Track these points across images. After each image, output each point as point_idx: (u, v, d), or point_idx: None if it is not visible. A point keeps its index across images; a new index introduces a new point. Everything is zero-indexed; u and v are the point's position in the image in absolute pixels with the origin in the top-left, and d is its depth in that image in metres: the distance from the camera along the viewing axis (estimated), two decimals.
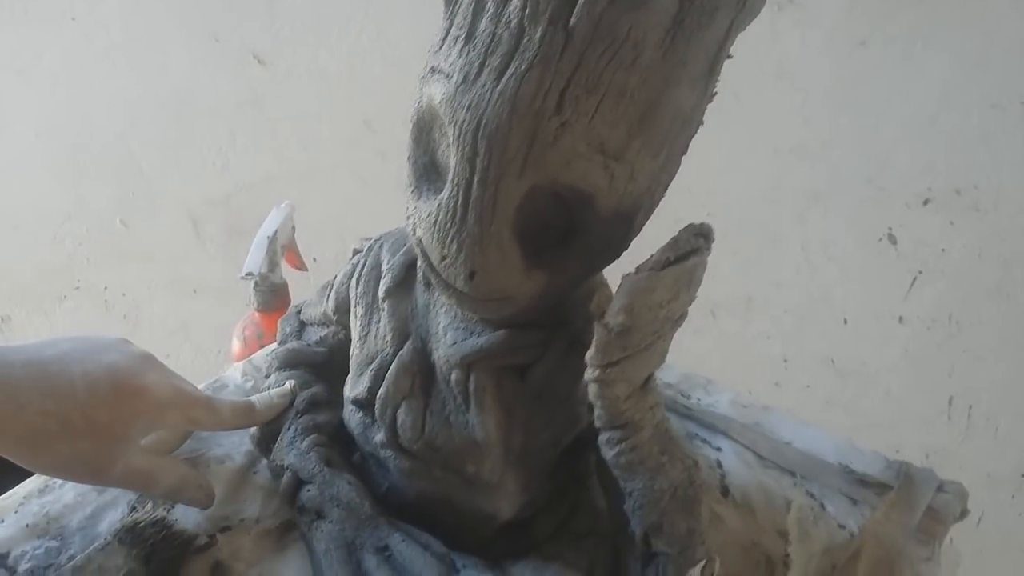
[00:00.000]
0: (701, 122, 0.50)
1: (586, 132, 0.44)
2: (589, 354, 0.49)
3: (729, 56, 0.48)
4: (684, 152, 0.51)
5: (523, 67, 0.43)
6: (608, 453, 0.53)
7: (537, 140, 0.44)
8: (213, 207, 1.67)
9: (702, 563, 0.54)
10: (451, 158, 0.46)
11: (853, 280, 1.34)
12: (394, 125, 1.37)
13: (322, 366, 0.72)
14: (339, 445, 0.66)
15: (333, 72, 1.45)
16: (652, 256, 0.47)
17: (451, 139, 0.46)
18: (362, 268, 0.64)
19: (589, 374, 0.50)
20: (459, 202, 0.47)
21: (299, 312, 0.76)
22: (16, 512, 0.64)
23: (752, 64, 1.16)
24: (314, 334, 0.73)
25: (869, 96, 1.23)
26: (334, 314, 0.69)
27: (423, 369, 0.58)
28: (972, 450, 1.40)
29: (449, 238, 0.48)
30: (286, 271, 1.14)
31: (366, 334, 0.62)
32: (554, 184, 0.46)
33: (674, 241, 0.47)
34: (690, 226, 0.48)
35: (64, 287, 1.88)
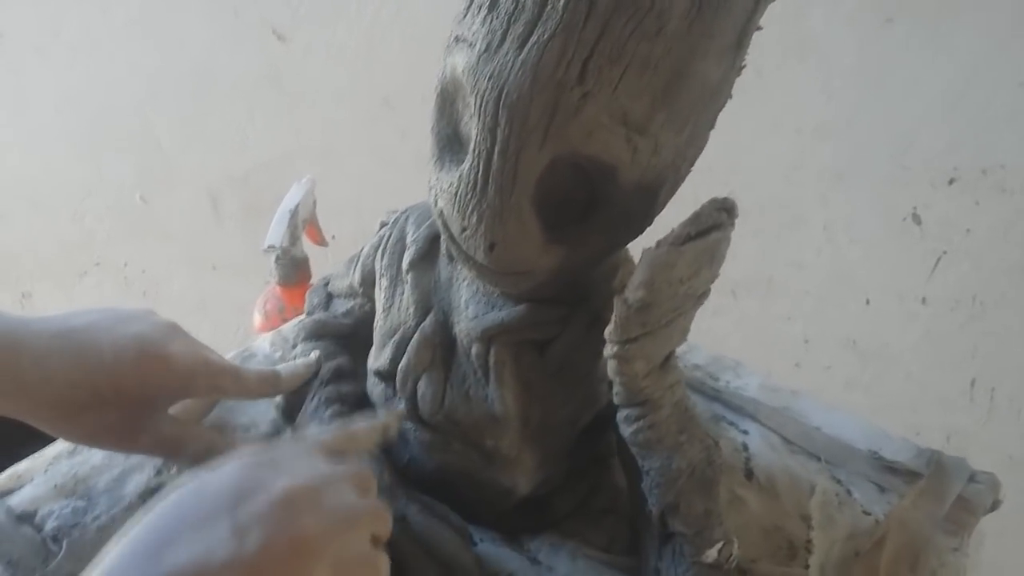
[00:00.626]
0: (729, 96, 0.49)
1: (609, 103, 0.43)
2: (608, 330, 0.49)
3: (759, 28, 0.48)
4: (711, 127, 0.50)
5: (546, 36, 0.42)
6: (626, 431, 0.52)
7: (559, 110, 0.43)
8: (232, 184, 1.67)
9: (719, 544, 0.54)
10: (472, 128, 0.46)
11: (876, 261, 1.33)
12: (414, 103, 1.37)
13: (348, 338, 0.72)
14: (361, 416, 0.66)
15: (352, 49, 1.45)
16: (673, 230, 0.47)
17: (472, 109, 0.45)
18: (387, 240, 0.64)
19: (608, 350, 0.49)
20: (479, 173, 0.46)
21: (327, 284, 0.76)
22: (45, 472, 0.65)
23: (775, 41, 1.15)
24: (341, 306, 0.74)
25: (895, 74, 1.21)
26: (360, 286, 0.69)
27: (444, 342, 0.58)
28: (994, 433, 1.38)
29: (469, 209, 0.48)
30: (307, 246, 1.13)
31: (390, 306, 0.62)
32: (575, 156, 0.45)
33: (696, 215, 0.46)
34: (713, 200, 0.47)
35: (84, 263, 1.88)
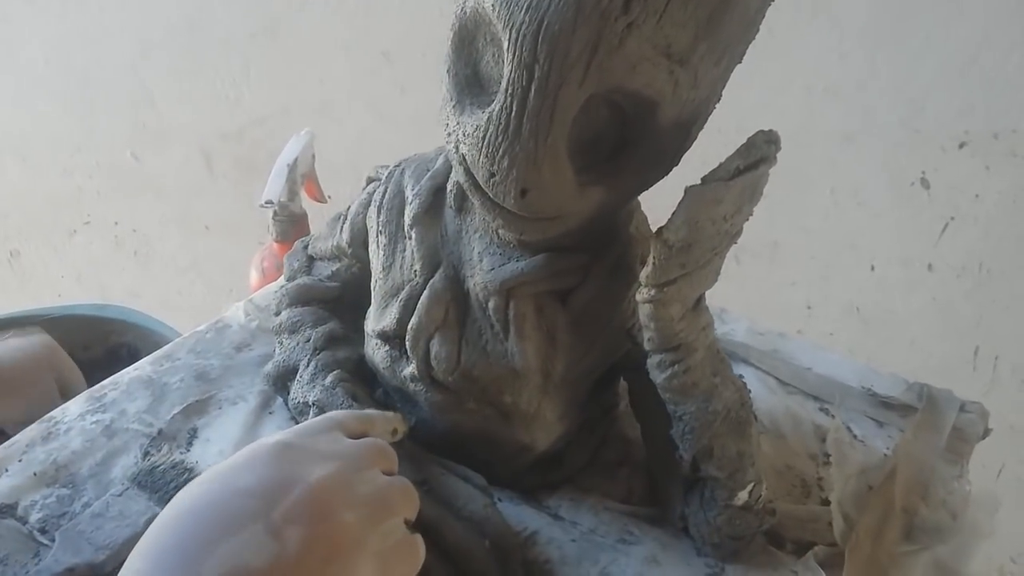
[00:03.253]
0: (758, 28, 0.47)
1: (654, 34, 0.41)
2: (645, 273, 0.47)
3: None
4: (739, 61, 0.48)
5: None
6: (659, 376, 0.51)
7: (602, 43, 0.41)
8: (226, 141, 1.64)
9: (751, 486, 0.53)
10: (504, 66, 0.43)
11: (883, 226, 1.31)
12: (413, 57, 1.34)
13: (335, 302, 0.70)
14: (360, 381, 0.64)
15: (351, 0, 1.41)
16: (720, 165, 0.45)
17: (506, 44, 0.42)
18: (383, 196, 0.61)
19: (643, 294, 0.48)
20: (513, 114, 0.44)
21: (307, 247, 0.74)
22: (20, 460, 0.62)
23: None
24: (325, 268, 0.71)
25: (908, 35, 1.19)
26: (349, 246, 0.67)
27: (457, 297, 0.56)
28: (996, 401, 1.36)
29: (500, 153, 0.45)
30: (305, 202, 1.11)
31: (391, 264, 0.60)
32: (616, 91, 0.43)
33: (745, 147, 0.45)
34: (760, 132, 0.46)
35: (74, 222, 1.85)
